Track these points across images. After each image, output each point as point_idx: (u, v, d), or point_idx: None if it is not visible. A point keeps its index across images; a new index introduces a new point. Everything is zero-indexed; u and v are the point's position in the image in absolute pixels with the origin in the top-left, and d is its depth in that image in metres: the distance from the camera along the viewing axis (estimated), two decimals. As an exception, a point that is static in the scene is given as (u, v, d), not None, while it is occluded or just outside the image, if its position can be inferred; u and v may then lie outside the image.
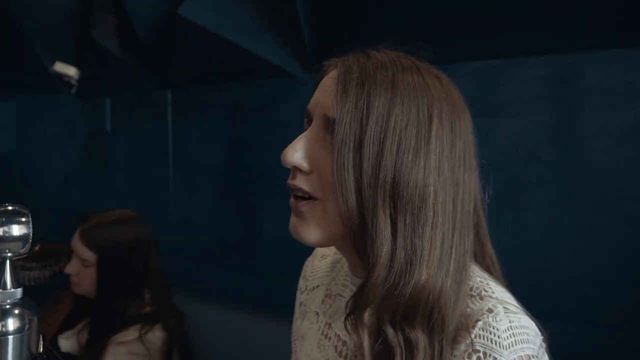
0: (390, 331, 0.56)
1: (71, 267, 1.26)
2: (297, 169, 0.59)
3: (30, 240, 0.44)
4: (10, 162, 1.95)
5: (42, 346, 0.44)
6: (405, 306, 0.55)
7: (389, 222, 0.55)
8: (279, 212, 1.59)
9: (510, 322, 0.54)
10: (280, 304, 0.98)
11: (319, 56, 1.79)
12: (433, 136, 0.55)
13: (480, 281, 0.60)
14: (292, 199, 0.61)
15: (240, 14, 1.65)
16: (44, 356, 0.43)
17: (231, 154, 1.78)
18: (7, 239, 0.42)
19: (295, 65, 1.72)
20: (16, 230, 0.42)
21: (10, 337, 0.41)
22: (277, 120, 1.67)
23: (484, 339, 0.54)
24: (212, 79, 1.80)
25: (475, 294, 0.58)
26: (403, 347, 0.56)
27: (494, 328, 0.54)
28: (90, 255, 1.24)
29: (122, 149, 2.04)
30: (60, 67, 1.99)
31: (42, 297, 1.42)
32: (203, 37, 1.64)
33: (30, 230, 0.43)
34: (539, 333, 0.58)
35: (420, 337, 0.55)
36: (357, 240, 0.56)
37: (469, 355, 0.54)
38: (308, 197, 0.60)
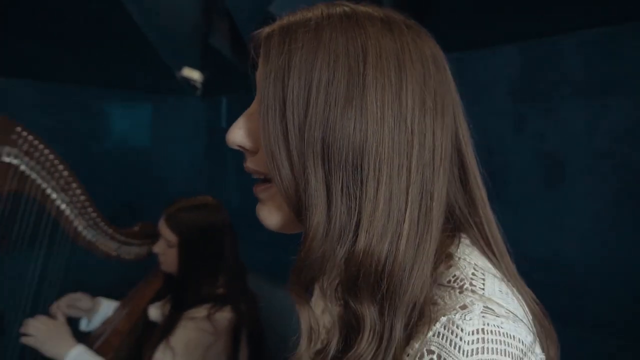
0: (330, 307, 0.50)
1: (157, 247, 1.40)
2: (244, 149, 0.55)
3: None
4: (146, 156, 2.26)
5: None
6: (346, 278, 0.48)
7: (323, 187, 0.47)
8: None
9: (484, 324, 0.43)
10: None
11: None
12: (369, 81, 0.46)
13: (474, 274, 0.48)
14: (254, 185, 0.57)
15: (329, 6, 1.65)
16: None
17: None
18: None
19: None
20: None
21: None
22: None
23: (442, 338, 0.43)
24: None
25: (456, 285, 0.47)
26: (341, 324, 0.49)
27: (457, 327, 0.43)
28: (172, 237, 1.36)
29: (234, 145, 2.21)
30: (187, 72, 2.23)
31: (143, 271, 1.61)
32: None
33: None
34: (534, 350, 0.45)
35: (367, 311, 0.47)
36: (300, 216, 0.50)
37: (421, 356, 0.43)
38: (265, 180, 0.55)
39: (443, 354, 0.42)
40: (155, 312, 1.42)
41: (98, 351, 1.37)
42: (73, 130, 2.08)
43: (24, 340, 1.23)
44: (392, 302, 0.46)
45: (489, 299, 0.45)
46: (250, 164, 0.54)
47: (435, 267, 0.49)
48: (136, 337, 1.42)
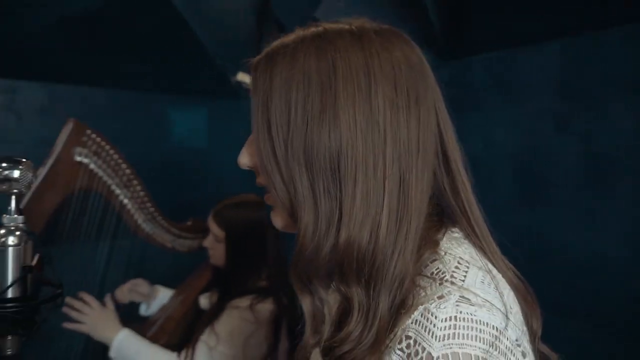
0: (322, 293, 0.56)
1: (207, 241, 1.51)
2: (252, 169, 0.62)
3: (30, 182, 0.59)
4: (203, 157, 2.40)
5: (36, 262, 0.59)
6: (334, 266, 0.54)
7: (309, 192, 0.54)
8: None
9: (457, 312, 0.47)
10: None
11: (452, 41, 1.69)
12: (340, 92, 0.52)
13: (457, 266, 0.52)
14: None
15: (373, 10, 1.69)
16: (32, 268, 0.58)
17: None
18: (14, 180, 0.58)
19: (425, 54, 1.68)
20: (17, 174, 0.58)
21: (10, 249, 0.57)
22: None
23: (418, 325, 0.48)
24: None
25: (437, 278, 0.52)
26: (337, 310, 0.55)
27: (432, 315, 0.48)
28: (219, 232, 1.46)
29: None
30: (241, 77, 2.36)
31: (195, 263, 1.73)
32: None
33: (29, 175, 0.59)
34: (510, 337, 0.48)
35: (354, 293, 0.53)
36: (294, 219, 0.57)
37: (400, 341, 0.49)
38: None
39: (418, 339, 0.47)
40: (205, 302, 1.53)
41: (154, 336, 1.50)
42: (138, 133, 2.26)
43: (74, 326, 1.36)
44: (377, 282, 0.51)
45: (466, 289, 0.49)
46: (259, 180, 0.61)
47: (420, 253, 0.53)
48: (188, 324, 1.53)
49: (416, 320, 0.48)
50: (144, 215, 1.52)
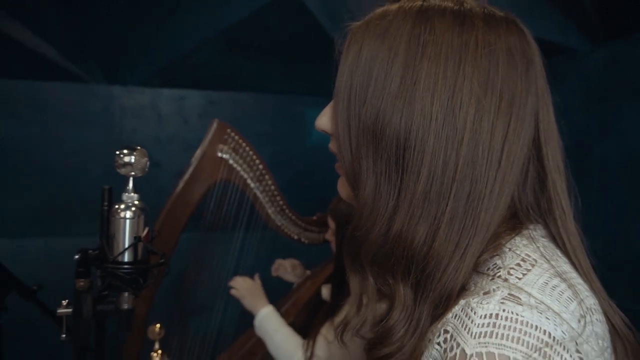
0: (370, 279, 0.56)
1: (328, 235, 1.57)
2: (327, 133, 0.62)
3: (146, 168, 0.70)
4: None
5: (145, 233, 0.70)
6: (383, 254, 0.53)
7: (372, 172, 0.53)
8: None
9: (500, 310, 0.43)
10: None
11: (607, 21, 1.46)
12: (422, 77, 0.49)
13: (518, 264, 0.48)
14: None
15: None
16: (141, 238, 0.69)
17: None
18: (132, 165, 0.70)
19: (575, 37, 1.49)
20: (133, 159, 0.69)
21: (127, 221, 0.69)
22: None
23: (457, 319, 0.45)
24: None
25: (491, 273, 0.48)
26: (372, 295, 0.56)
27: (471, 310, 0.44)
28: (333, 225, 1.50)
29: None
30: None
31: (324, 256, 1.81)
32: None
33: (143, 161, 0.70)
34: (569, 349, 0.42)
35: (399, 288, 0.52)
36: (355, 193, 0.56)
37: (439, 334, 0.47)
38: None
39: (455, 334, 0.44)
40: (325, 292, 1.59)
41: (282, 315, 1.62)
42: (282, 133, 2.45)
43: (231, 292, 1.56)
44: (424, 291, 0.49)
45: (518, 287, 0.44)
46: (331, 145, 0.62)
47: (478, 257, 0.49)
48: (310, 311, 1.62)
49: (456, 315, 0.45)
50: (273, 208, 1.65)
